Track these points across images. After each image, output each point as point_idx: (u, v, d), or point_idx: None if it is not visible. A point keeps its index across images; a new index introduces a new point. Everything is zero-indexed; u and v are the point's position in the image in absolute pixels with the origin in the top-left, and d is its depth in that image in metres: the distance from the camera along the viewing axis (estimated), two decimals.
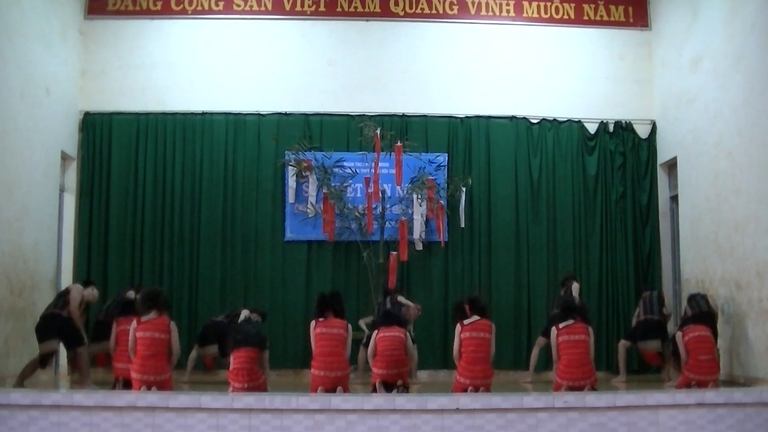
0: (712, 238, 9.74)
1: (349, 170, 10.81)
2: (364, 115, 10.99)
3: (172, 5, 11.18)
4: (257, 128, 11.05)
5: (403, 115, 11.19)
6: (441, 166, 10.96)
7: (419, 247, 10.73)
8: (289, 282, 10.84)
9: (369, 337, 8.40)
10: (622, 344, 9.64)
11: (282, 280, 10.85)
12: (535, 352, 9.80)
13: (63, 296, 8.50)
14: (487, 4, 11.45)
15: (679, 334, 7.90)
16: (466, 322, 7.37)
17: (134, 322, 7.21)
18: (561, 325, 7.44)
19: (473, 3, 11.45)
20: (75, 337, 8.44)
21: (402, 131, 11.01)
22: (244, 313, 9.22)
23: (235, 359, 6.90)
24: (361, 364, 8.97)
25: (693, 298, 9.04)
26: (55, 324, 8.30)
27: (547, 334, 9.66)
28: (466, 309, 7.46)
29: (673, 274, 11.10)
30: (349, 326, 7.38)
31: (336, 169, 10.78)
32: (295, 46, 11.31)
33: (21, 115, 9.11)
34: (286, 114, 11.11)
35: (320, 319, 7.30)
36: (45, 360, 8.37)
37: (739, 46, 9.22)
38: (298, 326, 10.42)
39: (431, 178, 10.73)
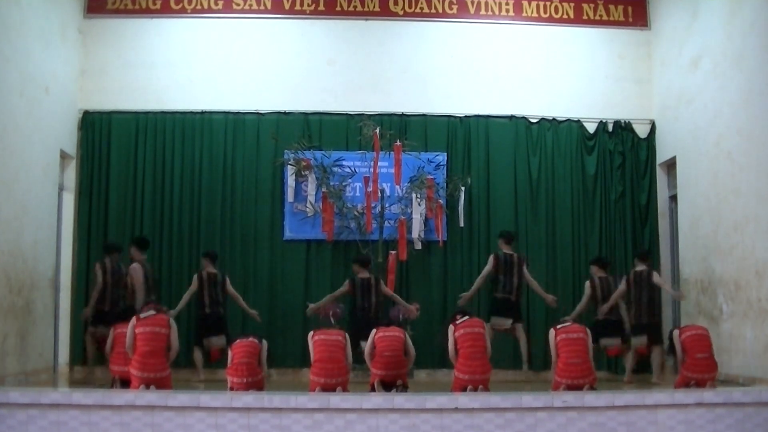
0: (711, 237, 9.74)
1: (348, 169, 10.80)
2: (363, 114, 10.97)
3: (172, 4, 11.16)
4: (256, 127, 11.03)
5: (403, 115, 11.18)
6: (440, 166, 10.94)
7: (418, 246, 10.71)
8: (288, 281, 10.82)
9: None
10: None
11: (281, 279, 10.84)
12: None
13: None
14: (486, 3, 11.43)
15: (676, 333, 7.90)
16: (458, 321, 7.62)
17: (133, 320, 7.23)
18: (558, 326, 7.59)
19: (473, 2, 11.42)
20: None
21: (401, 130, 10.99)
22: None
23: (234, 353, 6.93)
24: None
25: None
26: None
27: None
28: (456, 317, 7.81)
29: (672, 274, 11.09)
30: (347, 334, 7.44)
31: (335, 168, 10.77)
32: (295, 45, 11.30)
33: (20, 114, 9.09)
34: (285, 113, 11.10)
35: (318, 329, 7.43)
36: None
37: (739, 45, 9.22)
38: (297, 325, 10.42)
39: (430, 177, 10.72)
